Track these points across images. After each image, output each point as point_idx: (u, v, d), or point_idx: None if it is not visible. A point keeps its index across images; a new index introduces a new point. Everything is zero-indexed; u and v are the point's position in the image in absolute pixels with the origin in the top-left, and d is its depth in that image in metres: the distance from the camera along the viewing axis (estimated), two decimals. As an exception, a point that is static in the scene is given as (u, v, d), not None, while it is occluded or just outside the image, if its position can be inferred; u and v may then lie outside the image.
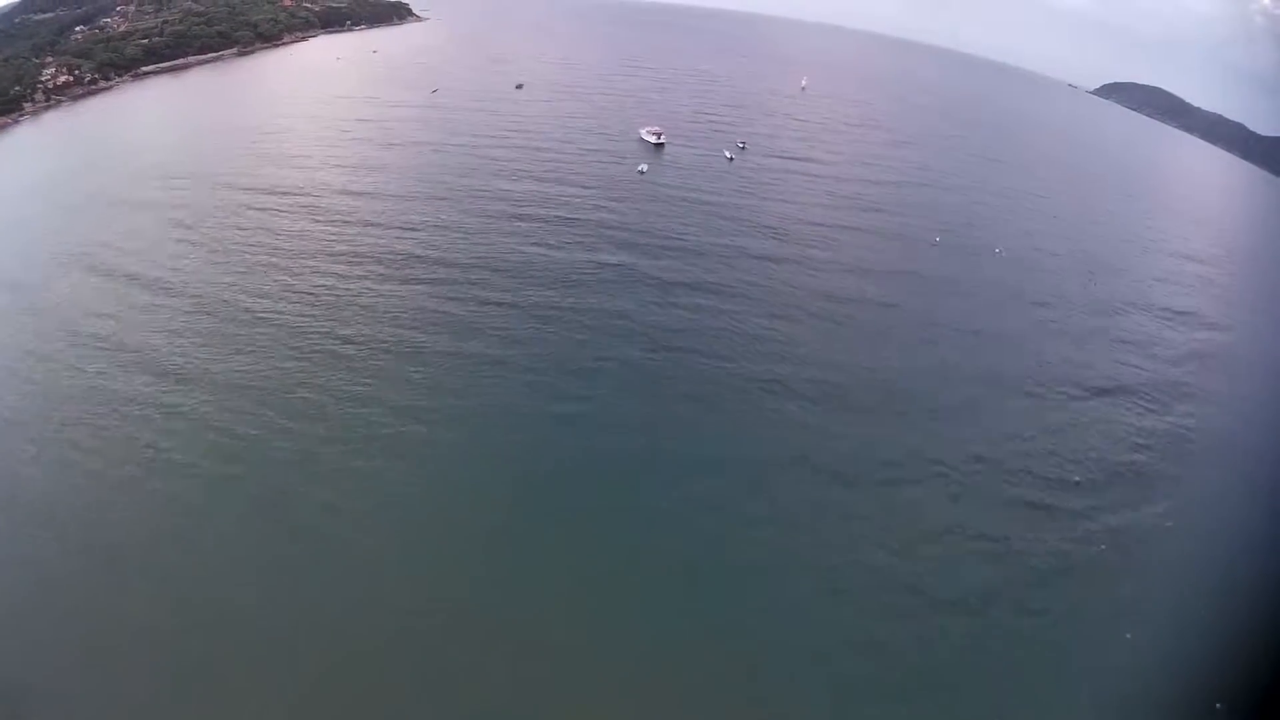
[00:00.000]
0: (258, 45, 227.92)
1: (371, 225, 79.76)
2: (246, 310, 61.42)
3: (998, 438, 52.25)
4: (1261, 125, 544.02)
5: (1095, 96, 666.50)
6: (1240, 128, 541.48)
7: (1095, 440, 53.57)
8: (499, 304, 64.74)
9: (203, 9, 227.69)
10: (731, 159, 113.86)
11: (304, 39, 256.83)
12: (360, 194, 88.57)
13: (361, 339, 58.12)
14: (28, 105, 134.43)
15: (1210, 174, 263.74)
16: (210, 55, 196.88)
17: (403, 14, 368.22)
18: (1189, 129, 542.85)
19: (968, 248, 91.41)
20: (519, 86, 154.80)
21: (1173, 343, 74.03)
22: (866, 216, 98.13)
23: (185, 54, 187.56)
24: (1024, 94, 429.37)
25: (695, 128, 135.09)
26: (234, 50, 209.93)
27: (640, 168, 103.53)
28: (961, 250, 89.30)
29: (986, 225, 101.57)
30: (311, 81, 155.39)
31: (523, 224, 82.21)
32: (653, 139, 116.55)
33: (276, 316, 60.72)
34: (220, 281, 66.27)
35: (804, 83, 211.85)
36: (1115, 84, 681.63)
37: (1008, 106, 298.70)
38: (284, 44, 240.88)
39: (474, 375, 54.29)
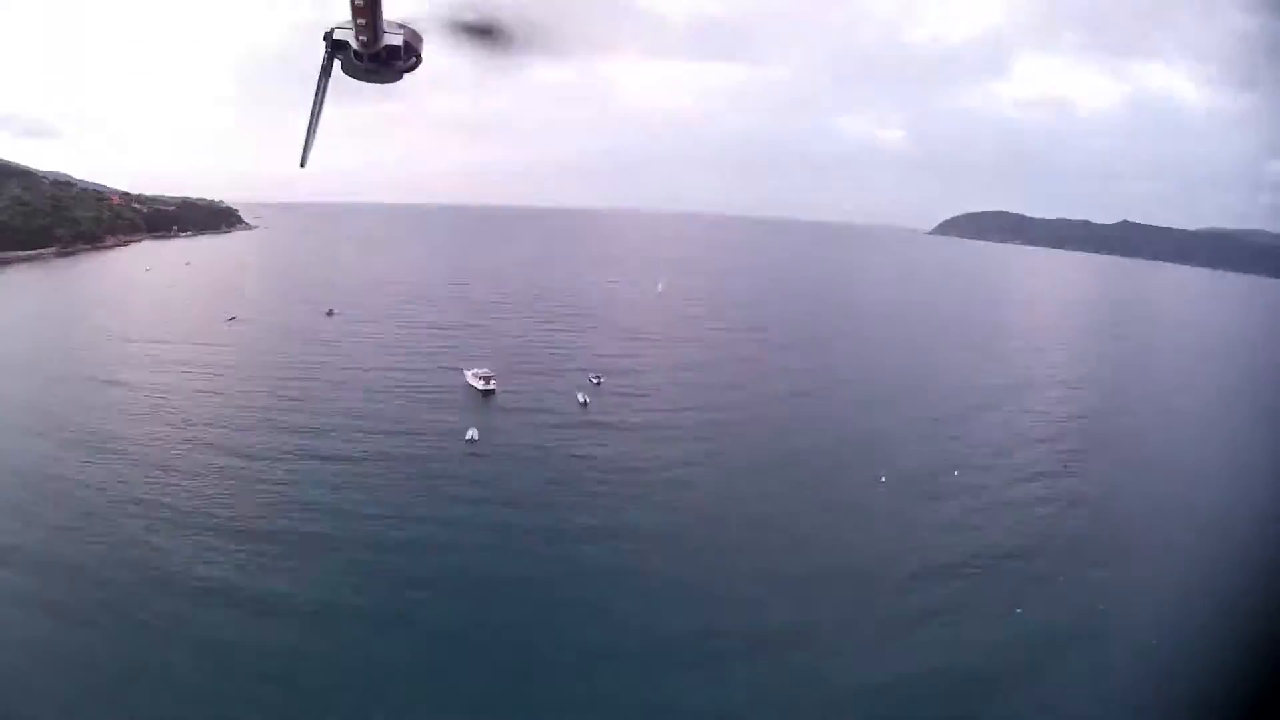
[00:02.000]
0: (79, 246, 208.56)
1: None
2: None
3: None
4: (1102, 215, 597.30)
5: (934, 235, 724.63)
6: (1083, 225, 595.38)
7: None
8: None
9: (29, 199, 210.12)
10: (585, 403, 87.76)
11: (127, 242, 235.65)
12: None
13: None
14: None
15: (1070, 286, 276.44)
16: (32, 252, 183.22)
17: (231, 221, 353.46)
18: (1033, 241, 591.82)
19: (925, 492, 62.67)
20: (330, 314, 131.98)
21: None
22: (772, 466, 66.28)
23: (7, 248, 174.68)
24: (878, 256, 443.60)
25: (538, 357, 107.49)
26: (54, 249, 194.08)
27: (468, 433, 75.40)
28: (919, 495, 62.91)
29: (917, 441, 77.81)
30: (106, 300, 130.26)
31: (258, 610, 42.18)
32: (480, 384, 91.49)
33: None
34: None
35: (660, 286, 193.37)
36: (951, 219, 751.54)
37: (870, 274, 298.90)
38: (106, 247, 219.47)
39: None
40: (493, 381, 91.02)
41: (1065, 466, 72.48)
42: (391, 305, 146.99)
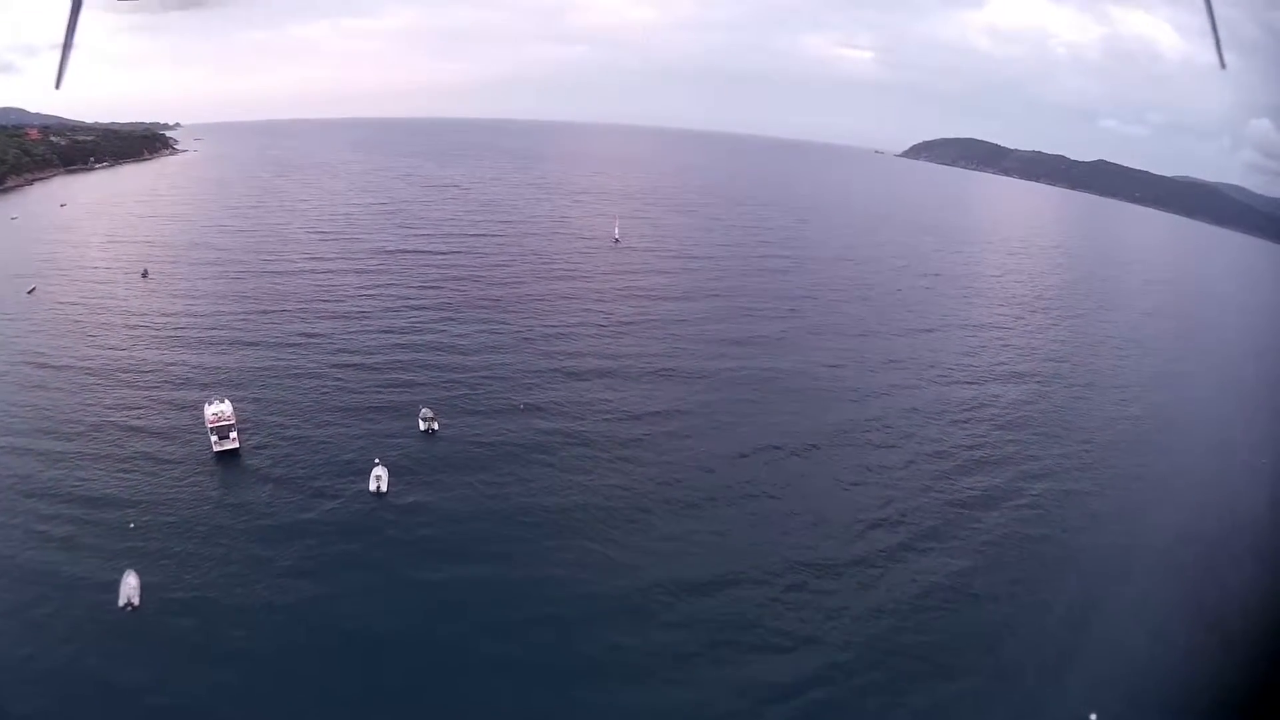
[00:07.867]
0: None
1: None
2: None
3: None
4: (1080, 152, 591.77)
5: (904, 158, 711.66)
6: (1060, 159, 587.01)
7: None
8: None
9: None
10: (380, 490, 56.85)
11: (33, 181, 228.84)
12: None
13: None
14: None
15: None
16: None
17: (155, 147, 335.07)
18: (1007, 171, 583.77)
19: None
20: (144, 274, 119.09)
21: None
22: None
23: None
24: (874, 182, 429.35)
25: (361, 371, 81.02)
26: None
27: (124, 593, 43.20)
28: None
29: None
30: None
31: None
32: (215, 439, 61.15)
33: None
34: None
35: (617, 233, 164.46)
36: (924, 143, 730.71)
37: (867, 206, 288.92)
38: (6, 189, 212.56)
39: None
40: (234, 434, 61.01)
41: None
42: (225, 260, 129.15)
